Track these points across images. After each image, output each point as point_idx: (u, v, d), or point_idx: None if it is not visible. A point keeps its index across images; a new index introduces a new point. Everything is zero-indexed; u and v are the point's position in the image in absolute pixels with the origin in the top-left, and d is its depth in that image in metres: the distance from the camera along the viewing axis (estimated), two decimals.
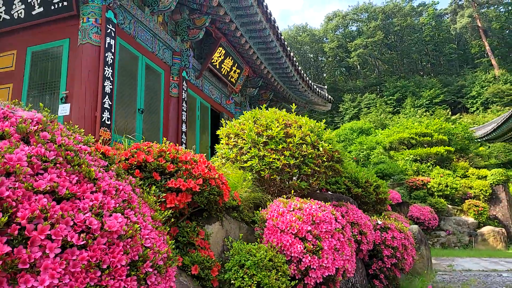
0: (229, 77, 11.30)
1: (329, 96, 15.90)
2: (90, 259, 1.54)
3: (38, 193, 1.58)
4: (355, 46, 50.43)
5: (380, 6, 53.43)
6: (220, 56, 10.35)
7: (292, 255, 2.83)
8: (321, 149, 3.51)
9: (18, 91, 6.65)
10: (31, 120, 1.87)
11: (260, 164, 3.40)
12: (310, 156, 3.43)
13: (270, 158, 3.38)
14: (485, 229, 13.56)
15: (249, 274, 2.55)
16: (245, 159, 3.49)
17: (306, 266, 2.82)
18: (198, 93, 10.13)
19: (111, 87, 6.22)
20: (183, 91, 8.76)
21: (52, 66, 6.53)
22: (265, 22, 9.26)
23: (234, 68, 11.27)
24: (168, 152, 2.76)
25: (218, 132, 3.98)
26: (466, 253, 11.71)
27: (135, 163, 2.63)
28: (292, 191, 3.34)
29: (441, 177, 14.60)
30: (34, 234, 1.43)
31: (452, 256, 10.91)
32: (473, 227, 13.69)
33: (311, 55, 57.18)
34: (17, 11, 6.73)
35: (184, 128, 8.66)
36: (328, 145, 3.59)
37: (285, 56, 11.13)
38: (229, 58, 10.76)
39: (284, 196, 3.19)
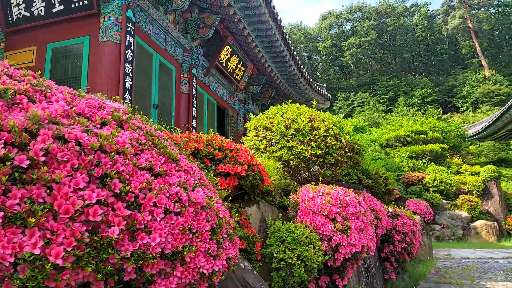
0: (235, 75, 11.59)
1: (328, 94, 16.30)
2: (184, 224, 1.86)
3: (141, 169, 1.90)
4: (348, 45, 51.04)
5: (374, 6, 54.14)
6: (226, 54, 10.63)
7: (324, 233, 3.17)
8: (343, 141, 3.87)
9: None
10: (122, 110, 2.18)
11: (289, 154, 3.74)
12: (334, 147, 3.78)
13: (298, 148, 3.72)
14: (478, 223, 14.11)
15: (290, 248, 2.89)
16: (274, 150, 3.82)
17: (336, 243, 3.17)
18: (205, 90, 10.41)
19: (130, 83, 6.48)
20: (193, 87, 9.03)
21: (72, 63, 6.75)
22: (272, 21, 9.58)
23: (239, 66, 11.57)
24: (214, 141, 3.08)
25: (246, 125, 4.31)
26: (461, 245, 12.24)
27: (188, 150, 2.95)
28: (320, 178, 3.68)
29: (436, 173, 15.12)
30: (144, 201, 1.76)
31: (448, 247, 11.42)
32: (466, 221, 14.23)
33: (305, 54, 57.65)
34: (37, 8, 6.92)
35: (194, 124, 8.94)
36: (349, 137, 3.96)
37: (289, 55, 11.48)
38: (235, 56, 11.05)
39: (313, 183, 3.53)
